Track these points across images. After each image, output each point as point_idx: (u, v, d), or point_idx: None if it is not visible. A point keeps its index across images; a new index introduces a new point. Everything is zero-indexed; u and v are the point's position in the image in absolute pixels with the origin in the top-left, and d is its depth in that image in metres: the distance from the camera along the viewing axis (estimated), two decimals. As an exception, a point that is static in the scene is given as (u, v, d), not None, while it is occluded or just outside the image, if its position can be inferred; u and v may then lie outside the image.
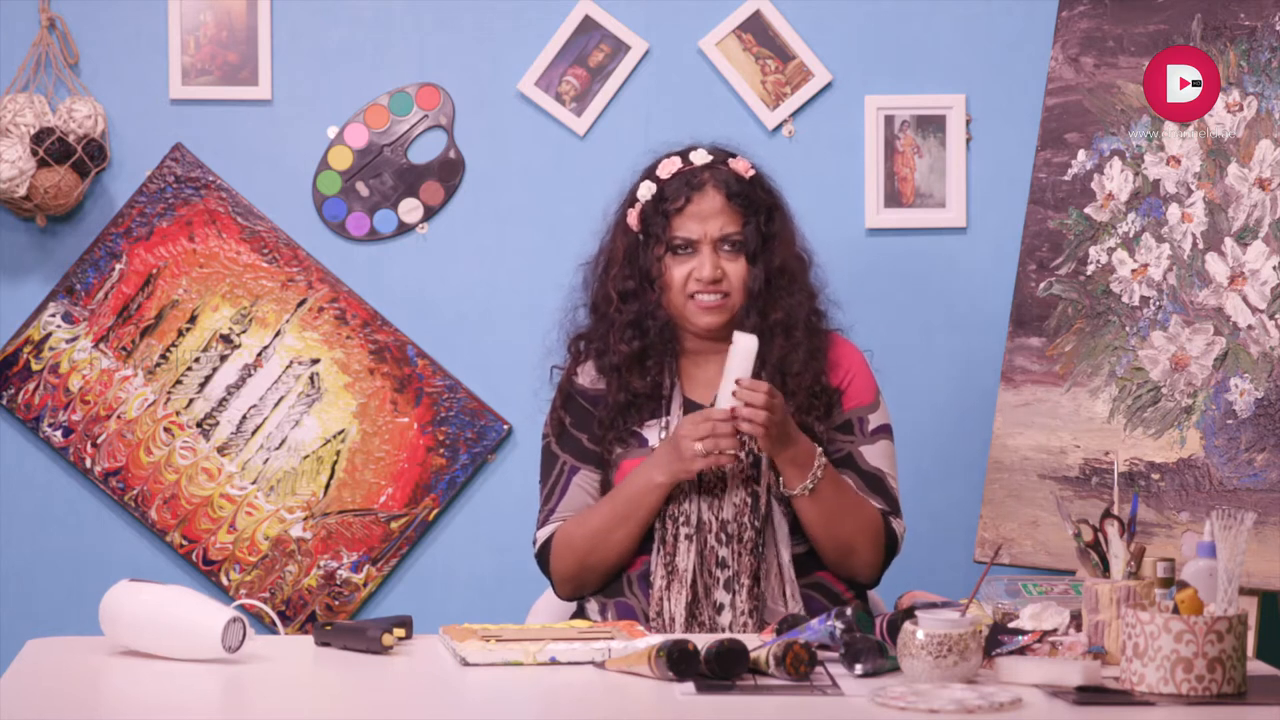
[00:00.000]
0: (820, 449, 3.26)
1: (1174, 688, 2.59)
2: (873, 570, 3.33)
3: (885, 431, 3.39)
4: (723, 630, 3.24)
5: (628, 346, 3.34)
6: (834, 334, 3.42)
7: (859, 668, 2.75)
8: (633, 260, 3.36)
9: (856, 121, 4.29)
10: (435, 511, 4.28)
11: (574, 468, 3.35)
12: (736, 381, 3.18)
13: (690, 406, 3.34)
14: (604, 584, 3.34)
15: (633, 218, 3.38)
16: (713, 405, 3.26)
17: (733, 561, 3.26)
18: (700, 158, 3.36)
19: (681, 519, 3.27)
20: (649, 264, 3.33)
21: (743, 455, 3.25)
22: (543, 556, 3.35)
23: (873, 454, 3.36)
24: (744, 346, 3.21)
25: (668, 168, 3.36)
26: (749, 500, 3.27)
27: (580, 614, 3.37)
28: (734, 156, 3.39)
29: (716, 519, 3.27)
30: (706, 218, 3.32)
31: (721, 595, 3.25)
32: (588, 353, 3.41)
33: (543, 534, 3.36)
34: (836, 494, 3.27)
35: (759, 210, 3.35)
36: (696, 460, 3.19)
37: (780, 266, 3.35)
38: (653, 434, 3.33)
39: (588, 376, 3.40)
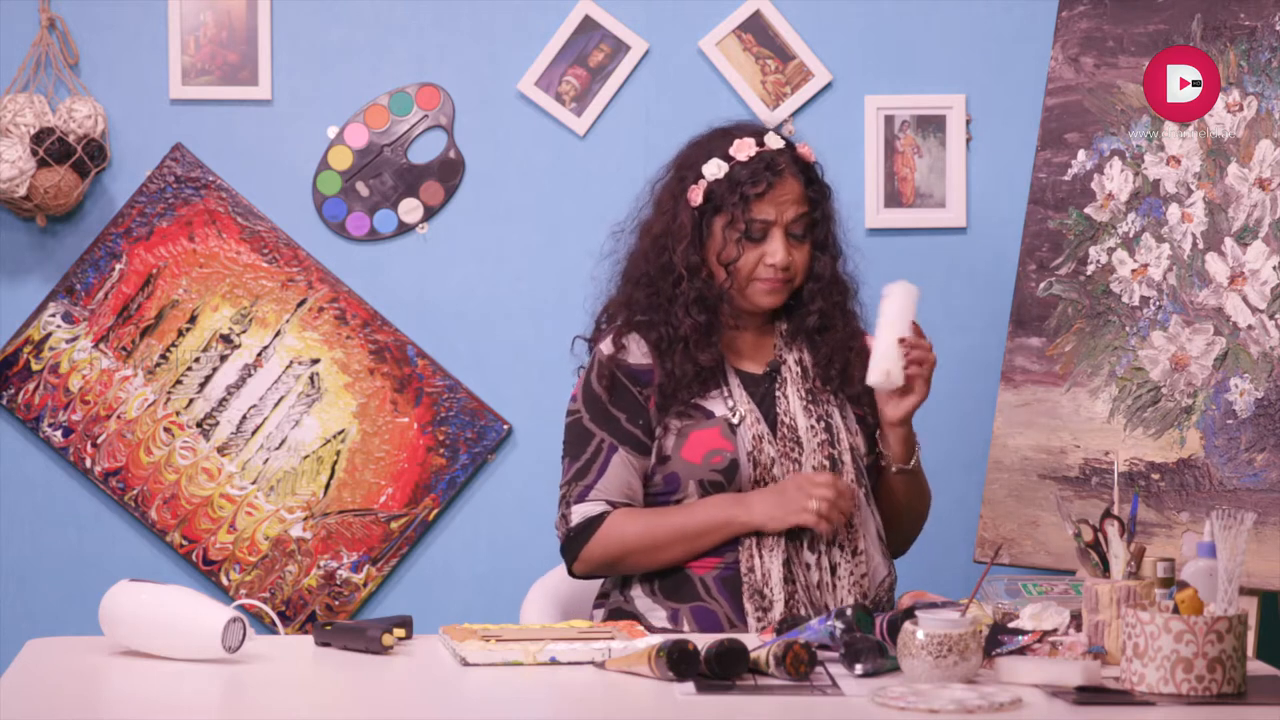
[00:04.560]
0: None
1: (1174, 688, 2.59)
2: (911, 542, 3.48)
3: None
4: (814, 589, 3.24)
5: (695, 320, 3.30)
6: None
7: (859, 668, 2.75)
8: (695, 235, 3.33)
9: (856, 121, 4.29)
10: (435, 511, 4.28)
11: (613, 446, 3.29)
12: (901, 340, 3.26)
13: (742, 376, 3.32)
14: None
15: (696, 194, 3.33)
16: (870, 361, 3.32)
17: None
18: (774, 141, 3.35)
19: (769, 481, 3.26)
20: (722, 244, 3.30)
21: (815, 422, 3.30)
22: (580, 535, 3.27)
23: None
24: (902, 294, 3.28)
25: (743, 149, 3.32)
26: (826, 464, 3.28)
27: (633, 618, 3.28)
28: (799, 143, 3.41)
29: None
30: (785, 203, 3.31)
31: (808, 555, 3.25)
32: (628, 324, 3.34)
33: (582, 510, 3.28)
34: (919, 474, 3.39)
35: (825, 197, 3.37)
36: (806, 515, 3.20)
37: (840, 250, 3.40)
38: (716, 405, 3.29)
39: (635, 351, 3.33)
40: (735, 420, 3.27)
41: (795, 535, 3.25)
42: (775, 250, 3.30)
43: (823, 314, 3.36)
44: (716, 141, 3.36)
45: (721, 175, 3.32)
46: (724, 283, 3.31)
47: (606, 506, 3.28)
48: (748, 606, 3.22)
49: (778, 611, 3.20)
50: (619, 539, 3.26)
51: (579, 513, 3.28)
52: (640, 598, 3.29)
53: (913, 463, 3.36)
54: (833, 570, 3.26)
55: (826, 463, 3.28)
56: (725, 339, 3.35)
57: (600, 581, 3.39)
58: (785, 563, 3.23)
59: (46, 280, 4.26)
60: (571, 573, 3.33)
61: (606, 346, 3.34)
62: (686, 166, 3.37)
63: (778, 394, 3.31)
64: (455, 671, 2.82)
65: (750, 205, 3.30)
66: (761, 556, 3.24)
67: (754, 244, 3.31)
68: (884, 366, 3.27)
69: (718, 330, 3.33)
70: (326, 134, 4.28)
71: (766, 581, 3.23)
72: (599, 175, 4.24)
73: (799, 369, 3.34)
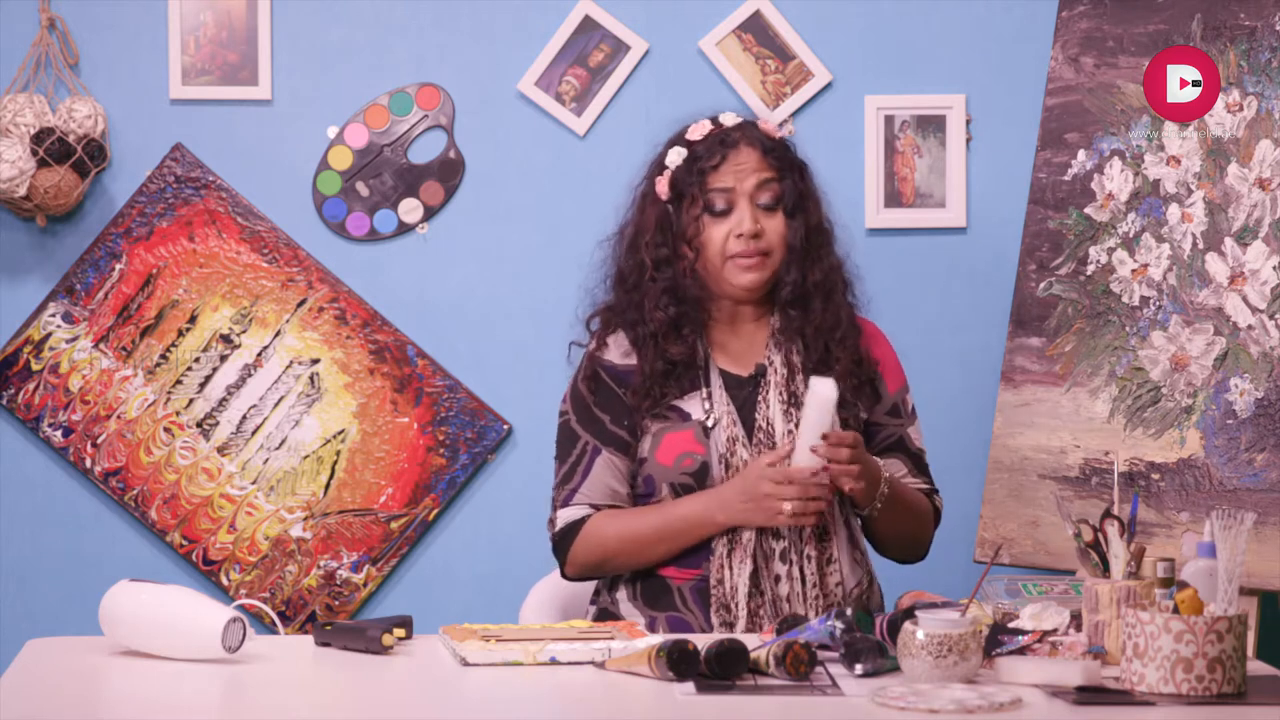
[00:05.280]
0: (882, 464, 3.29)
1: (1174, 688, 2.59)
2: (925, 550, 3.42)
3: (915, 409, 3.43)
4: (784, 601, 3.23)
5: (664, 313, 3.28)
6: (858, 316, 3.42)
7: (859, 668, 2.75)
8: (665, 227, 3.31)
9: (856, 121, 4.29)
10: (435, 511, 4.28)
11: (596, 448, 3.29)
12: (824, 437, 3.16)
13: (726, 378, 3.31)
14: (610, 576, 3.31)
15: (662, 185, 3.32)
16: (787, 454, 3.20)
17: (787, 533, 3.24)
18: (730, 119, 3.34)
19: None
20: (685, 226, 3.28)
21: (793, 428, 3.24)
22: (565, 539, 3.28)
23: (915, 434, 3.41)
24: (823, 395, 3.16)
25: (698, 131, 3.33)
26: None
27: (618, 619, 3.29)
28: (761, 120, 3.39)
29: None
30: (743, 172, 3.29)
31: (778, 566, 3.24)
32: (615, 325, 3.34)
33: (566, 515, 3.29)
34: (898, 500, 3.31)
35: (793, 168, 3.33)
36: (780, 519, 3.17)
37: (818, 225, 3.34)
38: (694, 406, 3.28)
39: (617, 351, 3.33)
40: (709, 423, 3.26)
41: (766, 545, 3.24)
42: (742, 219, 3.27)
43: (796, 287, 3.31)
44: (679, 133, 3.36)
45: (681, 161, 3.31)
46: (695, 264, 3.28)
47: (589, 510, 3.28)
48: (714, 620, 3.22)
49: (742, 625, 3.20)
50: (599, 542, 3.27)
51: (563, 517, 3.30)
52: (623, 601, 3.30)
53: (870, 511, 3.27)
54: (804, 581, 3.24)
55: None
56: (715, 339, 3.33)
57: (595, 582, 3.40)
58: (753, 575, 3.22)
59: (46, 280, 4.26)
60: (565, 575, 3.34)
61: (592, 348, 3.35)
62: (654, 164, 3.37)
63: (759, 398, 3.29)
64: (455, 671, 2.82)
65: (707, 178, 3.28)
66: (731, 569, 3.23)
67: (720, 218, 3.29)
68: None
69: (690, 322, 3.30)
70: (326, 134, 4.28)
71: (733, 595, 3.22)
72: (599, 175, 4.24)
73: (785, 370, 3.32)
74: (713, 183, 3.28)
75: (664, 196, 3.32)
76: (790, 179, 3.32)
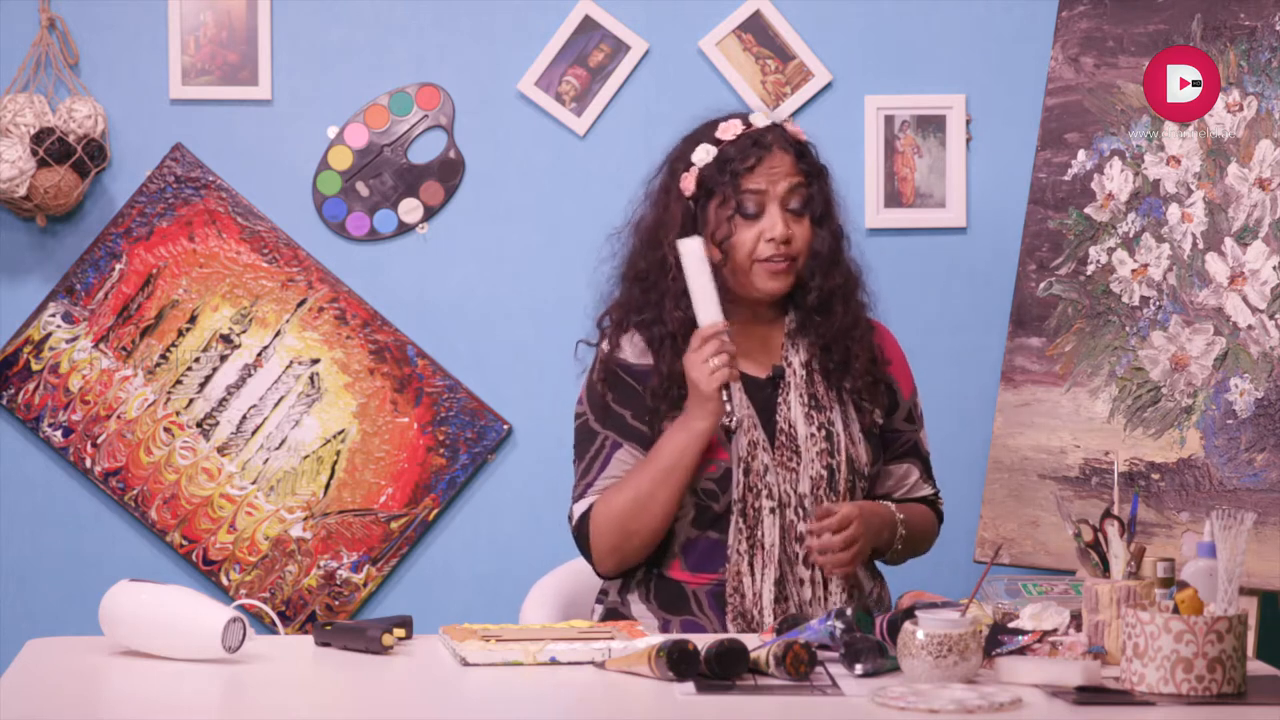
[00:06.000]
0: (895, 508, 3.31)
1: (1174, 688, 2.59)
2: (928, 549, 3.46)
3: (922, 412, 3.45)
4: (806, 605, 3.22)
5: (683, 313, 3.23)
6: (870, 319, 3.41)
7: (859, 668, 2.75)
8: (688, 225, 3.27)
9: (856, 121, 4.29)
10: (435, 511, 4.28)
11: (616, 443, 3.25)
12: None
13: (745, 381, 3.26)
14: (644, 556, 3.25)
15: (688, 182, 3.28)
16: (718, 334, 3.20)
17: (809, 537, 3.22)
18: (760, 120, 3.30)
19: (765, 491, 3.23)
20: (714, 227, 3.25)
21: (815, 430, 3.26)
22: (581, 531, 3.24)
23: (925, 437, 3.43)
24: (694, 251, 3.17)
25: (729, 130, 3.28)
26: (825, 474, 3.24)
27: (622, 619, 3.28)
28: (788, 121, 3.37)
29: (794, 492, 3.24)
30: (776, 176, 3.26)
31: (802, 570, 3.23)
32: (628, 324, 3.30)
33: (580, 507, 3.25)
34: (910, 532, 3.34)
35: (819, 173, 3.31)
36: (719, 374, 3.13)
37: (840, 231, 3.33)
38: None
39: (632, 351, 3.29)
40: (732, 425, 3.24)
41: (790, 550, 3.23)
42: (774, 224, 3.24)
43: (822, 292, 3.29)
44: (704, 130, 3.32)
45: (710, 159, 3.27)
46: (721, 265, 3.24)
47: (597, 498, 3.25)
48: (730, 628, 3.20)
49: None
50: (608, 516, 3.22)
51: (577, 511, 3.26)
52: (635, 603, 3.28)
53: (897, 546, 3.32)
54: (825, 584, 3.23)
55: (825, 472, 3.25)
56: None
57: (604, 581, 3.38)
58: (778, 581, 3.22)
59: (46, 280, 4.26)
60: (601, 574, 3.30)
61: (606, 346, 3.31)
62: (677, 158, 3.33)
63: (779, 400, 3.28)
64: (455, 671, 2.82)
65: (740, 180, 3.25)
66: (753, 575, 3.22)
67: (750, 221, 3.26)
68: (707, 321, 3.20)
69: None
70: (326, 134, 4.28)
71: (757, 603, 3.21)
72: (599, 175, 4.24)
73: (804, 372, 3.31)
74: (746, 184, 3.25)
75: (688, 193, 3.28)
76: (817, 184, 3.30)
